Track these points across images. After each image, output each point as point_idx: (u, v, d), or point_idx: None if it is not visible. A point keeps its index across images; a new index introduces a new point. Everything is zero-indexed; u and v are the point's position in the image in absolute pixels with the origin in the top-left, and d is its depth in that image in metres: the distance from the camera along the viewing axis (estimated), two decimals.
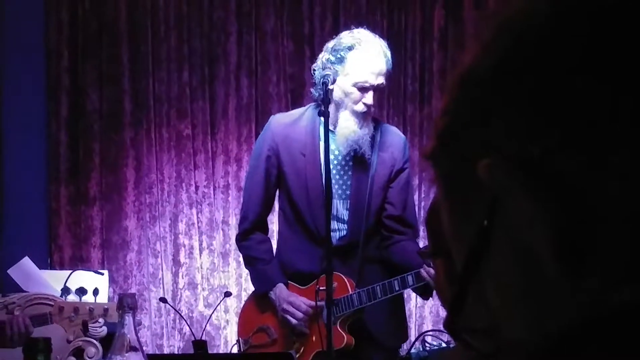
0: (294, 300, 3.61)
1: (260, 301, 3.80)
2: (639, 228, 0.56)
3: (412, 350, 3.49)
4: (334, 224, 3.66)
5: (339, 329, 3.60)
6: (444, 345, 3.61)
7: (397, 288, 3.50)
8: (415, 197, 5.16)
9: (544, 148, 0.58)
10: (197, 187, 5.74)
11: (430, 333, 3.88)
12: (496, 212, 0.61)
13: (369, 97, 3.52)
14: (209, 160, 5.76)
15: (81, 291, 3.10)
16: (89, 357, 3.24)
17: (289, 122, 3.72)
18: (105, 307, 3.12)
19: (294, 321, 3.62)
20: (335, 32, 5.81)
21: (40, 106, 5.58)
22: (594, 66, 0.57)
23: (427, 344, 3.69)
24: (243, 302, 5.63)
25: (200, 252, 5.72)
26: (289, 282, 3.70)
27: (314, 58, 5.80)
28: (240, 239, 3.84)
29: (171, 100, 5.72)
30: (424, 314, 5.63)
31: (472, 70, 0.64)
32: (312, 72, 3.63)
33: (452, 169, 0.66)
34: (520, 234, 0.60)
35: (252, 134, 5.78)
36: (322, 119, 3.58)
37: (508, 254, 0.62)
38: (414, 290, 3.68)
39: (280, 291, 3.67)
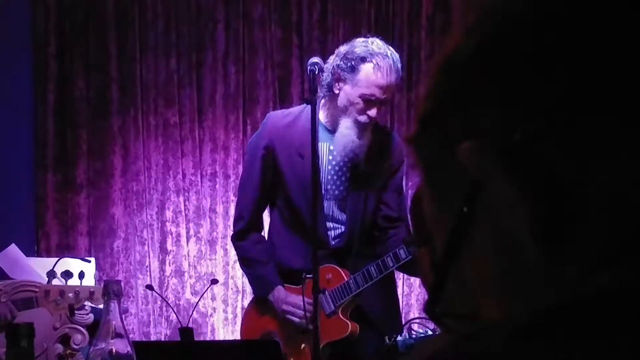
0: (292, 300, 3.63)
1: (260, 306, 3.79)
2: (617, 214, 0.57)
3: (399, 338, 3.49)
4: (329, 224, 3.68)
5: (342, 318, 3.62)
6: (430, 332, 3.61)
7: (390, 264, 3.50)
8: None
9: (525, 134, 0.58)
10: (184, 175, 5.74)
11: (417, 321, 3.88)
12: (476, 197, 0.61)
13: (373, 110, 3.50)
14: (196, 148, 5.75)
15: (67, 274, 3.07)
16: (76, 344, 3.23)
17: (287, 122, 3.67)
18: (92, 290, 3.09)
19: (296, 320, 3.63)
20: (323, 19, 5.85)
21: (28, 93, 5.56)
22: (577, 54, 0.57)
23: (413, 332, 3.69)
24: (230, 290, 5.68)
25: (187, 240, 5.72)
26: (285, 284, 3.70)
27: (301, 46, 5.86)
28: (236, 239, 3.82)
29: (158, 88, 5.71)
30: (411, 302, 5.64)
31: (455, 55, 0.64)
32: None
33: (433, 153, 0.66)
34: (500, 219, 0.60)
35: (239, 121, 5.78)
36: (320, 119, 3.61)
37: (488, 238, 0.62)
38: (403, 269, 3.69)
39: (278, 293, 3.67)
